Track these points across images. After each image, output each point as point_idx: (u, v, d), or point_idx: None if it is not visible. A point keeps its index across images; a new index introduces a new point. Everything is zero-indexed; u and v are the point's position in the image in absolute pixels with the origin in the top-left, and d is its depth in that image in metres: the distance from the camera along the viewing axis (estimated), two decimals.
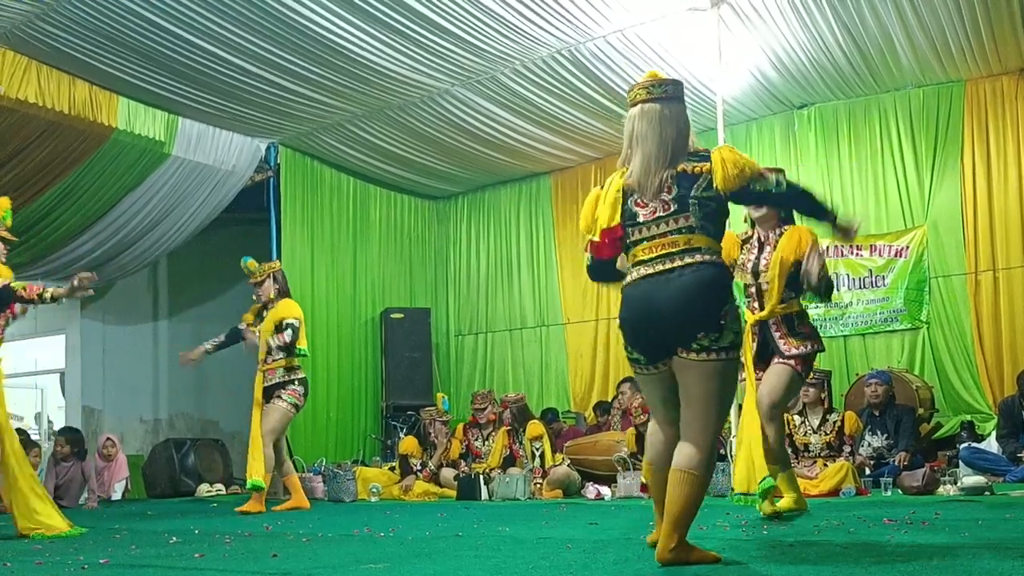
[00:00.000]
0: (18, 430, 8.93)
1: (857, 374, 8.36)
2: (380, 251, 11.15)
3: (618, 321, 3.32)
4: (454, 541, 4.18)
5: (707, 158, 3.21)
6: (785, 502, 4.83)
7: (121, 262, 10.03)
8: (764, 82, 8.52)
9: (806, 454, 6.80)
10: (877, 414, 7.42)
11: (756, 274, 4.76)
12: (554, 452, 7.96)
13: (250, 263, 7.11)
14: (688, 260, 3.14)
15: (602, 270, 3.44)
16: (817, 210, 3.43)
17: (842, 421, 6.88)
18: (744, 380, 4.78)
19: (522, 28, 7.42)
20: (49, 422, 12.41)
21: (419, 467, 8.02)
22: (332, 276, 10.51)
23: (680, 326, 3.11)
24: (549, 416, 9.56)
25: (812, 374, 5.66)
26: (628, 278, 3.27)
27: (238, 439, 10.96)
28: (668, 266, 3.15)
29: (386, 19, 7.20)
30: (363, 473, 8.14)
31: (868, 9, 7.20)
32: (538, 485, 7.44)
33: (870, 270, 8.80)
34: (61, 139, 8.19)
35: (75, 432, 8.74)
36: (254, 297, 7.11)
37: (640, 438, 7.45)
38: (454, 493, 7.52)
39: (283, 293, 7.07)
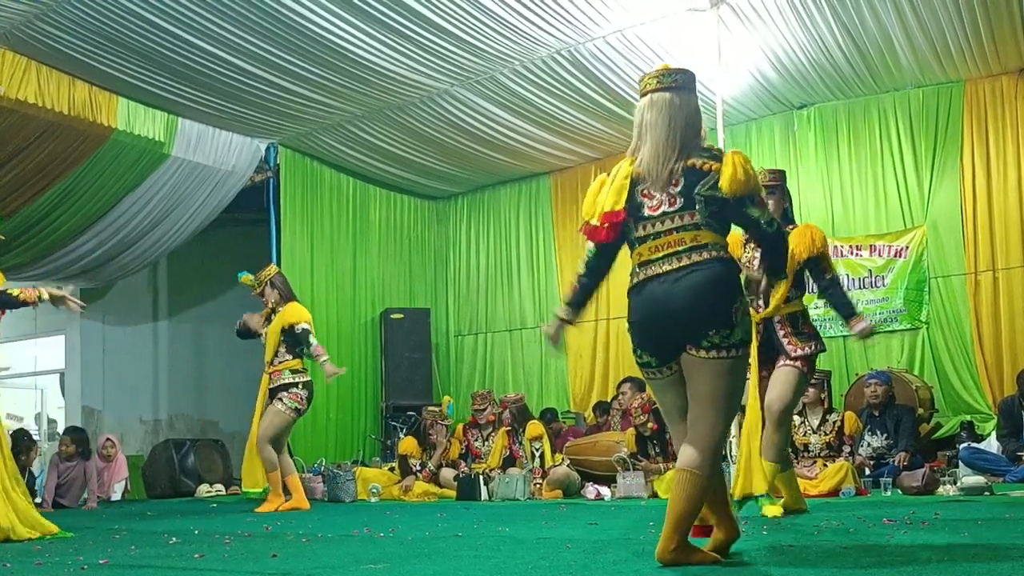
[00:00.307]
0: (20, 430, 8.97)
1: (857, 374, 8.36)
2: (380, 251, 11.15)
3: (627, 325, 3.24)
4: (454, 541, 4.18)
5: (719, 158, 3.15)
6: (785, 502, 4.83)
7: (121, 262, 10.02)
8: (764, 82, 8.52)
9: (806, 454, 6.81)
10: (877, 414, 7.42)
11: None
12: (553, 452, 7.96)
13: (245, 279, 7.14)
14: (696, 258, 3.08)
15: (597, 267, 3.32)
16: (777, 267, 3.43)
17: (842, 421, 6.89)
18: (749, 379, 4.78)
19: (522, 28, 7.42)
20: (52, 422, 12.40)
21: (419, 467, 8.01)
22: (332, 276, 10.51)
23: (691, 323, 3.05)
24: (548, 416, 9.56)
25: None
26: (633, 280, 3.21)
27: (238, 439, 10.96)
28: (676, 265, 3.09)
29: (386, 19, 7.20)
30: (363, 473, 8.14)
31: (868, 9, 7.20)
32: (538, 485, 7.44)
33: (870, 270, 8.80)
34: (61, 140, 8.19)
35: (80, 432, 8.73)
36: (262, 305, 7.15)
37: (640, 438, 7.46)
38: (454, 493, 7.52)
39: (286, 297, 7.06)
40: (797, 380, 4.69)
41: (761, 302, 4.79)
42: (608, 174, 3.33)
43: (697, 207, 3.12)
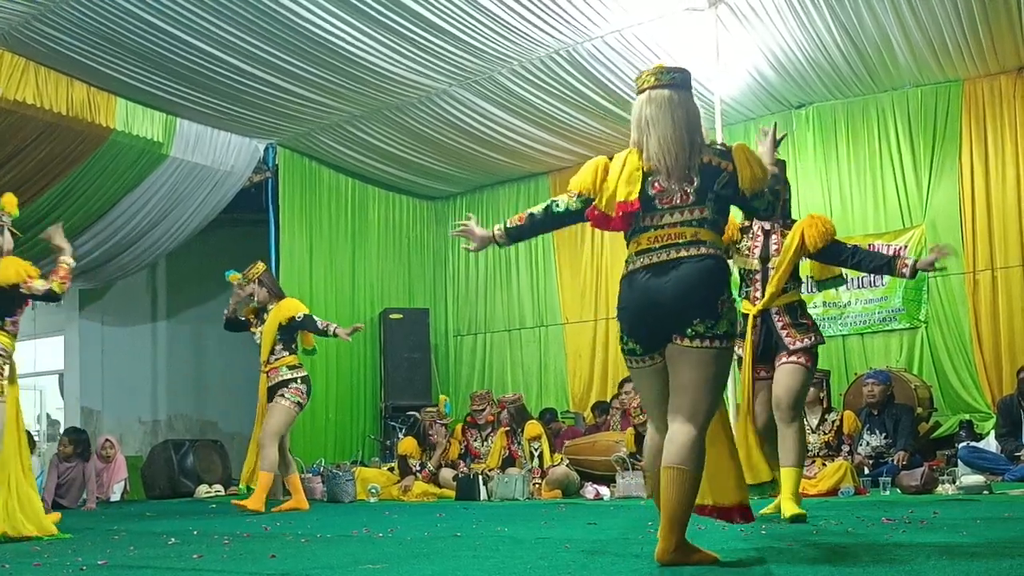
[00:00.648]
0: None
1: (856, 373, 8.37)
2: (379, 251, 11.16)
3: (616, 312, 3.30)
4: (453, 541, 4.18)
5: (729, 156, 3.21)
6: (776, 504, 4.77)
7: (120, 263, 10.02)
8: (762, 82, 8.53)
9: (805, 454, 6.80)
10: (876, 413, 7.43)
11: (765, 259, 4.68)
12: (552, 452, 7.96)
13: (232, 277, 7.09)
14: (692, 252, 3.13)
15: (558, 223, 3.45)
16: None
17: (840, 421, 6.89)
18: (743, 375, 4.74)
19: (520, 28, 7.42)
20: (55, 423, 12.39)
21: (418, 468, 8.02)
22: (331, 276, 10.51)
23: (678, 312, 3.10)
24: (548, 416, 9.57)
25: None
26: (629, 267, 3.25)
27: (237, 440, 10.96)
28: (672, 256, 3.14)
29: (384, 20, 7.20)
30: (362, 474, 8.15)
31: (866, 9, 7.21)
32: (537, 485, 7.44)
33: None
34: (59, 140, 8.19)
35: (80, 432, 8.72)
36: (259, 308, 7.10)
37: (640, 438, 7.45)
38: (453, 493, 7.52)
39: (275, 294, 7.02)
40: (803, 375, 4.58)
41: (759, 293, 4.69)
42: (609, 158, 3.34)
43: (708, 203, 3.17)
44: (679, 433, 3.07)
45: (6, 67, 7.55)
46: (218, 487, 9.44)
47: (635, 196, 3.19)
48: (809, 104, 9.09)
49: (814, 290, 4.95)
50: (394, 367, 10.53)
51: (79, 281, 10.26)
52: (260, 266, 7.17)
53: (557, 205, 3.40)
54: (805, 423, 6.80)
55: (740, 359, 4.73)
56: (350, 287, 10.75)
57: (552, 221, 3.45)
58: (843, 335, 8.86)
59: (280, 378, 6.82)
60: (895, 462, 6.99)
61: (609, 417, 8.95)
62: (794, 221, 4.78)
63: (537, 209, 3.46)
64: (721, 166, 3.19)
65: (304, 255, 10.21)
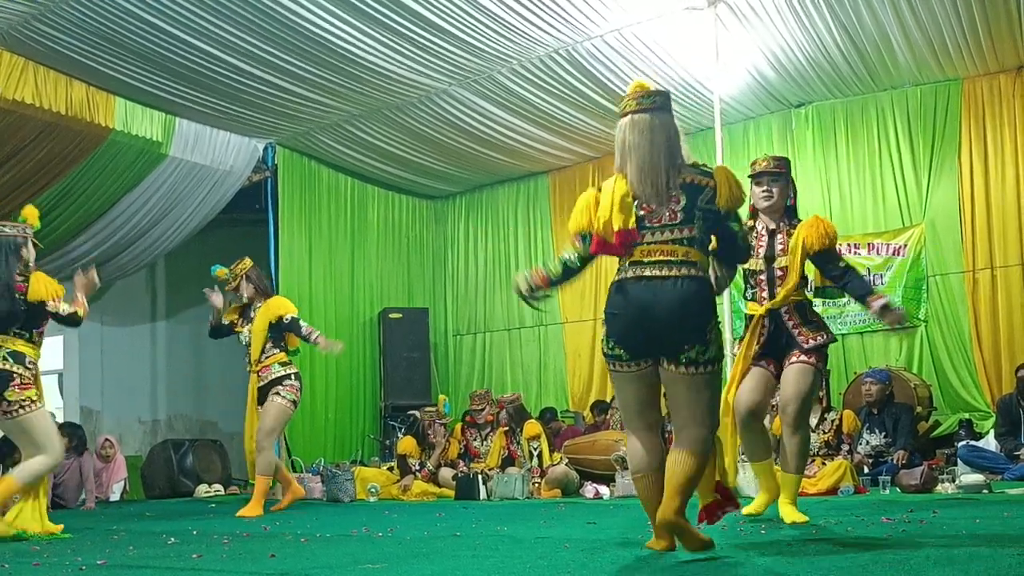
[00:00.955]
0: None
1: (855, 373, 8.37)
2: (378, 251, 11.16)
3: (605, 315, 3.39)
4: (452, 541, 4.17)
5: (710, 174, 3.37)
6: (759, 502, 4.69)
7: (119, 263, 10.02)
8: (761, 81, 8.52)
9: None
10: (875, 412, 7.43)
11: (770, 259, 4.55)
12: (552, 451, 7.96)
13: (219, 272, 6.88)
14: (684, 272, 3.28)
15: (581, 267, 3.50)
16: (733, 270, 3.92)
17: (840, 420, 6.88)
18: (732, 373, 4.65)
19: (519, 28, 7.42)
20: (54, 417, 12.39)
21: (417, 467, 8.01)
22: (330, 276, 10.51)
23: (670, 335, 3.25)
24: (548, 415, 9.57)
25: None
26: (621, 275, 3.34)
27: (237, 440, 10.90)
28: (665, 273, 3.27)
29: (383, 19, 7.20)
30: (361, 473, 8.14)
31: (865, 8, 7.21)
32: (536, 485, 7.44)
33: (868, 268, 8.79)
34: (58, 140, 8.19)
35: (76, 427, 8.72)
36: (242, 300, 6.85)
37: None
38: (452, 493, 7.51)
39: (263, 291, 6.80)
40: (813, 378, 4.45)
41: (766, 294, 4.57)
42: (598, 189, 3.45)
43: (695, 222, 3.31)
44: (690, 434, 3.28)
45: (5, 66, 7.55)
46: (218, 487, 9.44)
47: (632, 224, 3.32)
48: (809, 103, 9.09)
49: (833, 281, 4.79)
50: (393, 367, 10.53)
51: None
52: (247, 262, 6.93)
53: (570, 260, 3.51)
54: (809, 430, 6.82)
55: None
56: (349, 286, 10.75)
57: (573, 274, 3.55)
58: (843, 334, 8.84)
59: (272, 376, 6.60)
60: (895, 461, 6.99)
61: (608, 416, 8.94)
62: (800, 221, 4.72)
63: (555, 272, 3.54)
64: (702, 183, 3.34)
65: (303, 255, 10.21)
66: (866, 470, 6.94)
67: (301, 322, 6.72)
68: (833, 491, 6.23)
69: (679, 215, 3.30)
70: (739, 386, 4.52)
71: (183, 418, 11.70)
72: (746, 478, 5.78)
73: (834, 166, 9.08)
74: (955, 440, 7.68)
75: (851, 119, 9.00)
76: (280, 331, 6.68)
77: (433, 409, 8.43)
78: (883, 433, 7.35)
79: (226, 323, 6.90)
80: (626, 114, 3.44)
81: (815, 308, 4.69)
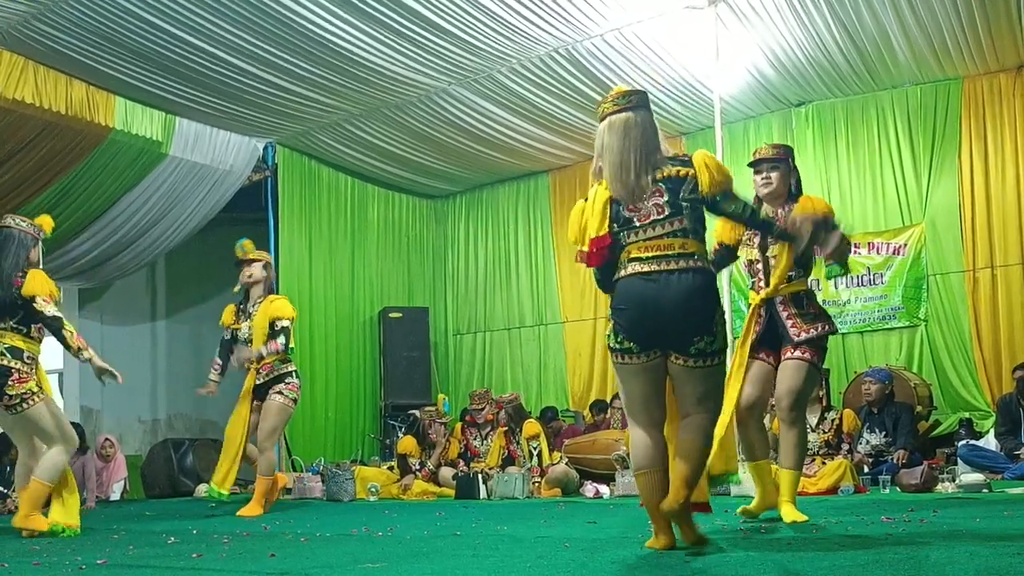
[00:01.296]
0: None
1: (855, 372, 8.37)
2: (378, 250, 11.16)
3: (612, 311, 3.44)
4: (452, 540, 4.17)
5: (689, 163, 3.39)
6: (757, 502, 4.64)
7: (119, 262, 10.02)
8: (761, 80, 8.52)
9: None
10: (875, 412, 7.43)
11: (764, 248, 4.49)
12: (551, 451, 7.96)
13: (247, 243, 6.84)
14: (683, 264, 3.31)
15: (607, 280, 3.55)
16: (772, 235, 3.87)
17: (840, 419, 6.88)
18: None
19: (519, 27, 7.42)
20: None
21: (417, 467, 8.01)
22: (330, 275, 10.51)
23: (680, 328, 3.29)
24: (548, 415, 9.57)
25: None
26: (623, 272, 3.39)
27: None
28: (667, 267, 3.31)
29: (383, 18, 7.20)
30: (362, 472, 8.13)
31: (865, 7, 7.20)
32: (536, 484, 7.44)
33: (868, 268, 8.80)
34: (58, 139, 8.18)
35: (76, 426, 8.70)
36: (240, 282, 6.77)
37: None
38: (453, 492, 7.51)
39: (270, 288, 6.75)
40: (806, 372, 4.34)
41: (763, 283, 4.50)
42: (586, 199, 3.51)
43: (684, 213, 3.35)
44: (693, 420, 3.38)
45: (5, 66, 7.55)
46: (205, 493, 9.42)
47: (605, 230, 3.40)
48: (809, 102, 9.09)
49: (817, 287, 4.76)
50: (394, 366, 10.53)
51: (78, 280, 10.26)
52: (268, 256, 6.99)
53: (594, 274, 3.62)
54: (807, 424, 6.82)
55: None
56: (349, 286, 10.75)
57: (606, 288, 3.58)
58: (843, 333, 8.85)
59: (274, 373, 6.55)
60: (895, 460, 6.99)
61: (608, 416, 8.95)
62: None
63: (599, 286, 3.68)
64: (682, 174, 3.37)
65: (303, 254, 10.20)
66: (866, 469, 6.94)
67: (285, 342, 6.48)
68: (833, 490, 6.22)
69: (665, 209, 3.34)
70: (738, 379, 4.45)
71: (183, 417, 11.70)
72: (747, 476, 5.77)
73: (834, 165, 9.08)
74: (955, 439, 7.68)
75: (851, 118, 9.00)
76: (275, 331, 6.57)
77: (433, 408, 8.43)
78: (883, 432, 7.35)
79: (228, 337, 6.83)
80: (604, 117, 3.49)
81: (816, 299, 4.57)
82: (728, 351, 3.59)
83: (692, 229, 3.35)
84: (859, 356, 8.76)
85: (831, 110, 9.07)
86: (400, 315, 10.71)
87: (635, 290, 3.34)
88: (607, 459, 7.45)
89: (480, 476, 7.41)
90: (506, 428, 7.95)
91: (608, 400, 9.34)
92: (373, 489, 7.72)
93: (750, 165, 4.64)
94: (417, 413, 8.80)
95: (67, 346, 5.28)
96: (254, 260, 6.72)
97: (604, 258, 3.44)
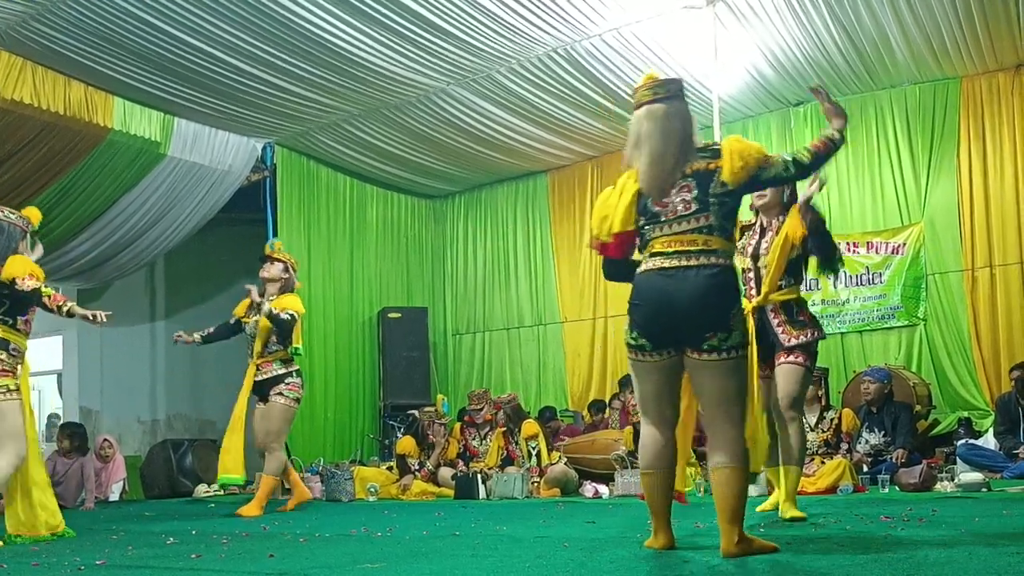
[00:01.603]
0: None
1: (854, 371, 8.37)
2: (377, 250, 11.15)
3: (629, 306, 3.36)
4: (451, 540, 4.17)
5: (719, 153, 3.29)
6: (773, 500, 4.76)
7: (118, 263, 10.01)
8: (760, 80, 8.52)
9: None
10: (874, 411, 7.42)
11: (756, 257, 4.60)
12: (550, 451, 7.95)
13: (276, 242, 7.05)
14: (704, 261, 3.23)
15: (616, 270, 3.51)
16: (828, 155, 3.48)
17: (839, 418, 6.88)
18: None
19: (518, 27, 7.41)
20: (58, 418, 12.37)
21: (417, 467, 8.01)
22: (329, 276, 10.51)
23: (694, 325, 3.21)
24: (546, 415, 9.57)
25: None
26: (643, 267, 3.34)
27: None
28: (686, 263, 3.24)
29: (382, 18, 7.19)
30: (361, 473, 8.13)
31: (864, 6, 7.20)
32: (535, 484, 7.44)
33: (867, 267, 8.80)
34: (57, 140, 8.18)
35: (77, 427, 8.71)
36: (259, 280, 6.78)
37: (638, 436, 7.44)
38: (452, 492, 7.51)
39: (286, 287, 6.73)
40: (801, 375, 4.50)
41: (754, 291, 4.59)
42: (614, 187, 3.43)
43: (711, 209, 3.26)
44: (723, 437, 3.23)
45: (3, 66, 7.54)
46: (217, 487, 9.42)
47: (631, 226, 3.35)
48: (807, 102, 9.08)
49: (816, 287, 4.82)
50: (393, 366, 10.53)
51: (77, 281, 10.25)
52: (295, 260, 7.06)
53: (603, 266, 3.58)
54: (804, 422, 6.83)
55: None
56: (348, 286, 10.75)
57: (620, 272, 3.53)
58: (842, 333, 8.86)
59: (273, 373, 6.55)
60: (894, 460, 6.99)
61: (607, 415, 8.95)
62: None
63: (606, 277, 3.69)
64: (711, 167, 3.28)
65: (302, 254, 10.17)
66: (865, 469, 6.93)
67: (290, 320, 6.47)
68: (832, 490, 6.23)
69: (692, 204, 3.26)
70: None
71: (182, 418, 11.70)
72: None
73: (833, 164, 8.98)
74: (954, 438, 7.68)
75: (850, 117, 8.92)
76: (281, 327, 6.56)
77: (432, 409, 8.43)
78: (882, 432, 7.35)
79: (231, 322, 6.84)
80: (641, 105, 3.42)
81: (807, 307, 4.67)
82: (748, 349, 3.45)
83: (718, 226, 3.25)
84: (858, 355, 8.76)
85: None
86: (399, 315, 10.71)
87: (652, 285, 3.28)
88: (606, 459, 7.45)
89: (479, 476, 7.41)
90: (504, 428, 7.95)
91: (607, 400, 9.34)
92: (372, 489, 7.72)
93: None
94: (416, 413, 8.81)
95: (51, 310, 5.09)
96: (276, 259, 6.77)
97: (624, 252, 3.40)
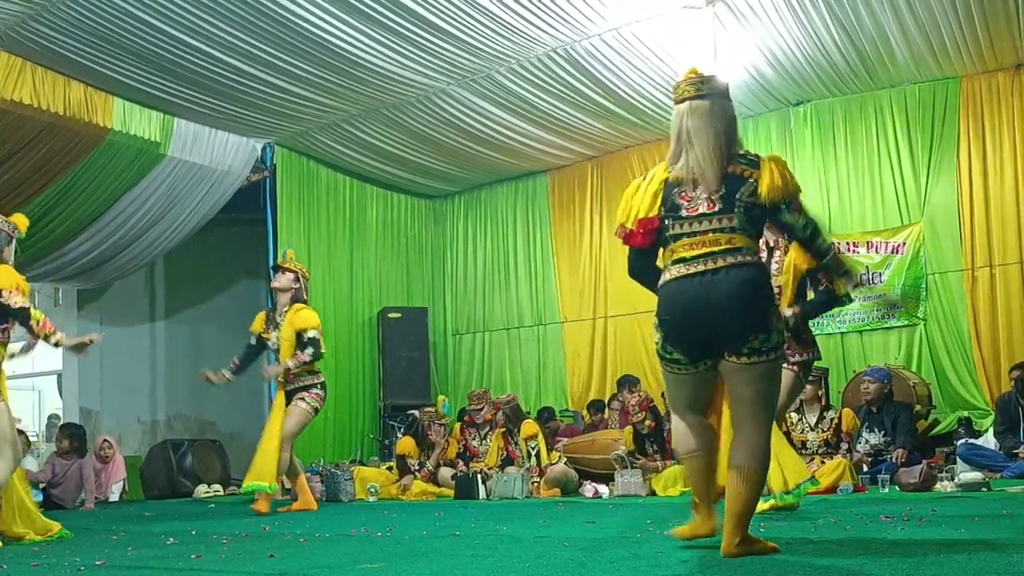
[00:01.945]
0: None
1: (854, 371, 8.37)
2: (377, 251, 11.15)
3: (656, 321, 3.27)
4: (451, 540, 4.17)
5: (757, 164, 3.22)
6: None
7: (118, 263, 10.01)
8: (760, 79, 8.52)
9: (803, 451, 6.80)
10: (874, 411, 7.42)
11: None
12: (549, 451, 7.96)
13: (288, 251, 7.16)
14: (731, 260, 3.14)
15: (641, 264, 3.39)
16: (832, 267, 3.49)
17: (839, 418, 6.89)
18: None
19: (518, 27, 7.41)
20: (58, 418, 12.38)
21: (417, 467, 8.01)
22: (329, 276, 10.50)
23: (732, 329, 3.12)
24: (545, 415, 9.56)
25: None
26: (667, 276, 3.25)
27: (236, 440, 10.95)
28: (711, 266, 3.14)
29: (381, 18, 7.19)
30: (361, 473, 8.14)
31: (863, 6, 7.20)
32: (535, 484, 7.44)
33: (867, 267, 8.80)
34: (57, 140, 8.17)
35: (77, 428, 8.71)
36: (272, 288, 6.91)
37: (638, 436, 7.47)
38: (452, 492, 7.51)
39: (299, 298, 6.82)
40: (792, 383, 4.72)
41: None
42: (644, 178, 3.38)
43: (736, 211, 3.17)
44: (749, 439, 3.16)
45: (3, 67, 7.54)
46: (217, 487, 9.43)
47: (655, 212, 3.25)
48: (807, 102, 9.09)
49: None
50: (393, 366, 10.53)
51: (77, 281, 10.25)
52: (307, 270, 7.16)
53: (629, 258, 3.42)
54: (803, 421, 6.86)
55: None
56: (348, 286, 10.75)
57: (642, 268, 3.42)
58: (842, 332, 8.86)
59: (300, 383, 6.70)
60: (894, 459, 6.99)
61: (606, 416, 8.95)
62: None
63: (631, 273, 3.50)
64: (746, 175, 3.19)
65: (302, 254, 10.15)
66: (865, 468, 6.94)
67: (313, 353, 6.65)
68: (832, 489, 6.23)
69: (716, 204, 3.17)
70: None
71: (182, 418, 11.69)
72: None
73: (833, 164, 9.07)
74: (954, 438, 7.68)
75: (850, 117, 9.00)
76: (303, 342, 6.66)
77: (432, 410, 8.43)
78: (882, 431, 7.35)
79: (254, 343, 6.90)
80: (683, 100, 3.36)
81: (808, 325, 4.92)
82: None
83: (741, 227, 3.16)
84: (858, 355, 8.76)
85: (829, 109, 9.07)
86: (399, 315, 10.71)
87: (681, 294, 3.17)
88: (606, 459, 7.45)
89: (479, 476, 7.41)
90: (504, 428, 7.95)
91: (606, 400, 9.34)
92: (372, 489, 7.72)
93: None
94: (416, 413, 8.81)
95: (35, 335, 4.98)
96: (288, 269, 6.84)
97: (649, 240, 3.29)
